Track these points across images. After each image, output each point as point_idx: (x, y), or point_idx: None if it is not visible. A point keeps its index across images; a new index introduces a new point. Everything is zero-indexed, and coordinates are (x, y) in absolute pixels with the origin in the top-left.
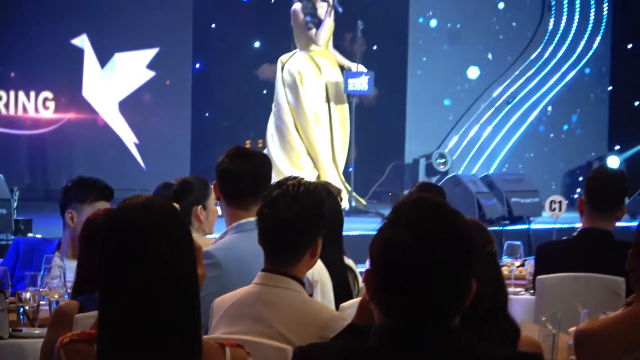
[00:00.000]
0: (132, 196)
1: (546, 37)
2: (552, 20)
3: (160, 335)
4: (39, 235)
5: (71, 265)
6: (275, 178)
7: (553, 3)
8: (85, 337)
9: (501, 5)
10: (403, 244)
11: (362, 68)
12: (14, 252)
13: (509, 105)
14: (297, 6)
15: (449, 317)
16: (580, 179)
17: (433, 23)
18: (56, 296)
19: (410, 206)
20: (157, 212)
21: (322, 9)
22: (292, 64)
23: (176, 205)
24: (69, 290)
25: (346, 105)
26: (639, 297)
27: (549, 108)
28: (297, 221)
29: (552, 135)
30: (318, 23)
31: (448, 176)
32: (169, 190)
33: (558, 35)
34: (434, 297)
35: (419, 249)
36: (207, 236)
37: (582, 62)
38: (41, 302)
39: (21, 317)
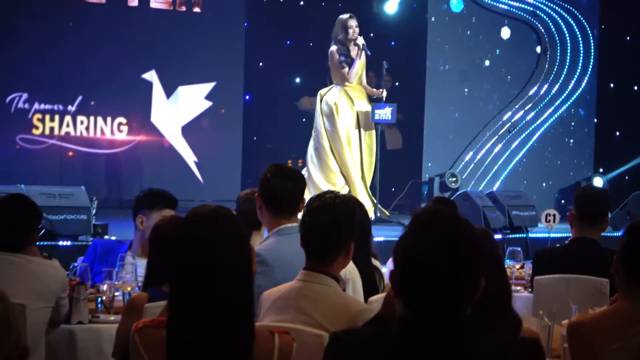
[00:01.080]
0: (200, 205)
1: (542, 77)
2: (547, 62)
3: (221, 324)
4: (113, 237)
5: (141, 262)
6: (313, 192)
7: (548, 49)
8: (156, 323)
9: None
10: (422, 249)
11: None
12: (92, 251)
13: (510, 134)
14: (333, 48)
15: (461, 309)
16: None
17: (445, 67)
18: (129, 288)
19: (427, 217)
20: (220, 219)
21: (354, 51)
22: (330, 97)
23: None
24: (139, 284)
25: (374, 132)
26: (621, 296)
27: (544, 136)
28: (333, 228)
29: (547, 159)
30: (350, 63)
31: (458, 192)
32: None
33: (552, 76)
34: (448, 293)
35: (435, 253)
36: None
37: (573, 98)
38: (116, 294)
39: (99, 306)
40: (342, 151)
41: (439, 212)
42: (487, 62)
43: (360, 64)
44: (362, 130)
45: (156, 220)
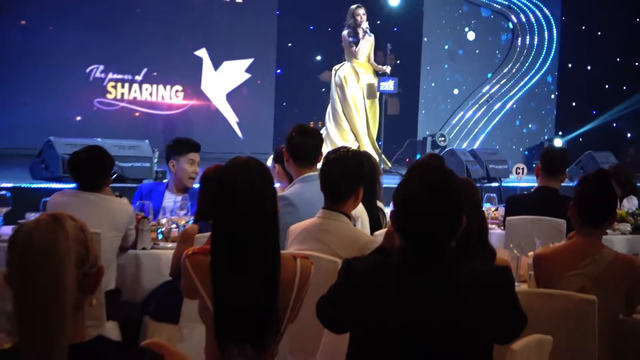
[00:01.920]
0: (235, 157)
1: (514, 57)
2: (519, 45)
3: (254, 250)
4: (165, 180)
5: (174, 197)
6: (330, 147)
7: (519, 35)
8: (203, 250)
9: (471, 36)
10: (415, 194)
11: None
12: (138, 193)
13: (488, 103)
14: (344, 32)
15: (447, 241)
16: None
17: (437, 48)
18: (182, 222)
19: (420, 168)
20: (253, 167)
21: (361, 34)
22: (341, 71)
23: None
24: (189, 220)
25: (377, 100)
26: (576, 234)
27: (515, 106)
28: (346, 175)
29: (518, 123)
30: (358, 43)
31: (446, 149)
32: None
33: (522, 56)
34: (436, 228)
35: (426, 197)
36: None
37: (539, 75)
38: (172, 226)
39: (159, 235)
40: (352, 115)
41: (430, 164)
42: (470, 44)
43: (366, 45)
44: (368, 98)
45: (184, 164)
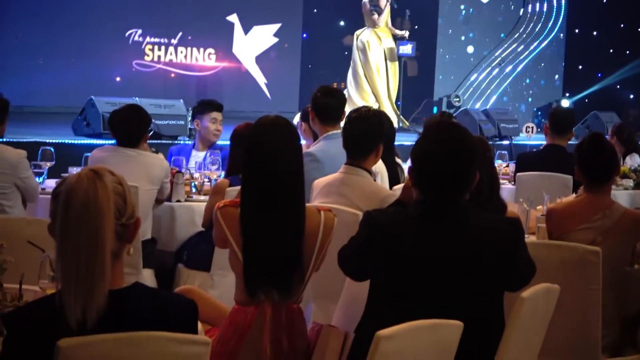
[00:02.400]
0: (264, 115)
1: (526, 22)
2: (529, 9)
3: (281, 201)
4: (189, 142)
5: (200, 154)
6: (351, 107)
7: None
8: (234, 203)
9: None
10: (431, 151)
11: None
12: (170, 155)
13: (501, 66)
14: (366, 0)
15: (461, 194)
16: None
17: (453, 14)
18: (214, 176)
19: (436, 127)
20: (281, 125)
21: (382, 2)
22: (363, 36)
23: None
24: (221, 174)
25: (397, 63)
26: (586, 191)
27: (525, 68)
28: (367, 133)
29: (527, 85)
30: (379, 11)
31: (460, 109)
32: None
33: (532, 22)
34: (451, 182)
35: (442, 154)
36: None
37: (548, 39)
38: (205, 180)
39: (192, 188)
40: (372, 76)
41: (445, 123)
42: (484, 9)
43: (386, 12)
44: (388, 61)
45: (207, 122)
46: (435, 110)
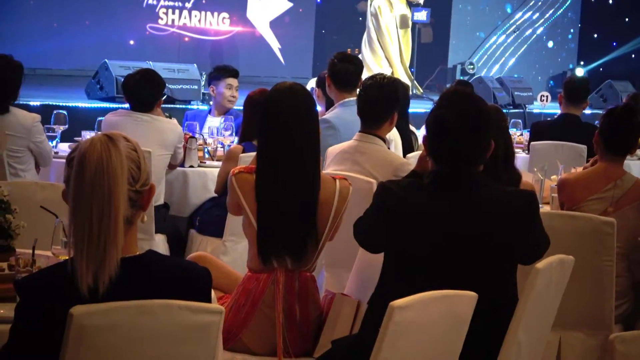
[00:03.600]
0: (281, 81)
1: None
2: None
3: (296, 167)
4: (205, 108)
5: (216, 120)
6: (366, 73)
7: None
8: (248, 170)
9: None
10: (447, 119)
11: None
12: (186, 119)
13: (516, 33)
14: None
15: (476, 164)
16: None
17: None
18: (228, 142)
19: (451, 94)
20: (297, 91)
21: None
22: (376, 2)
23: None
24: (234, 140)
25: (409, 29)
26: (600, 160)
27: (540, 36)
28: (381, 100)
29: (542, 53)
30: None
31: (475, 77)
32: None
33: None
34: (466, 151)
35: (457, 122)
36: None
37: (564, 7)
38: (218, 146)
39: (206, 154)
40: (386, 42)
41: (460, 91)
42: None
43: None
44: (399, 28)
45: (223, 88)
46: (449, 76)
